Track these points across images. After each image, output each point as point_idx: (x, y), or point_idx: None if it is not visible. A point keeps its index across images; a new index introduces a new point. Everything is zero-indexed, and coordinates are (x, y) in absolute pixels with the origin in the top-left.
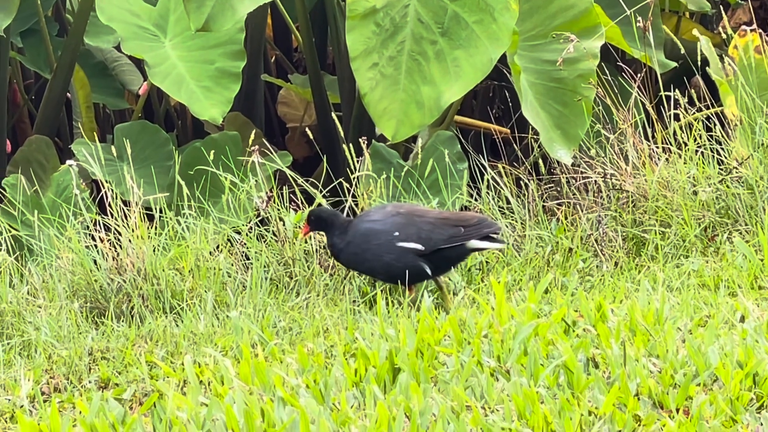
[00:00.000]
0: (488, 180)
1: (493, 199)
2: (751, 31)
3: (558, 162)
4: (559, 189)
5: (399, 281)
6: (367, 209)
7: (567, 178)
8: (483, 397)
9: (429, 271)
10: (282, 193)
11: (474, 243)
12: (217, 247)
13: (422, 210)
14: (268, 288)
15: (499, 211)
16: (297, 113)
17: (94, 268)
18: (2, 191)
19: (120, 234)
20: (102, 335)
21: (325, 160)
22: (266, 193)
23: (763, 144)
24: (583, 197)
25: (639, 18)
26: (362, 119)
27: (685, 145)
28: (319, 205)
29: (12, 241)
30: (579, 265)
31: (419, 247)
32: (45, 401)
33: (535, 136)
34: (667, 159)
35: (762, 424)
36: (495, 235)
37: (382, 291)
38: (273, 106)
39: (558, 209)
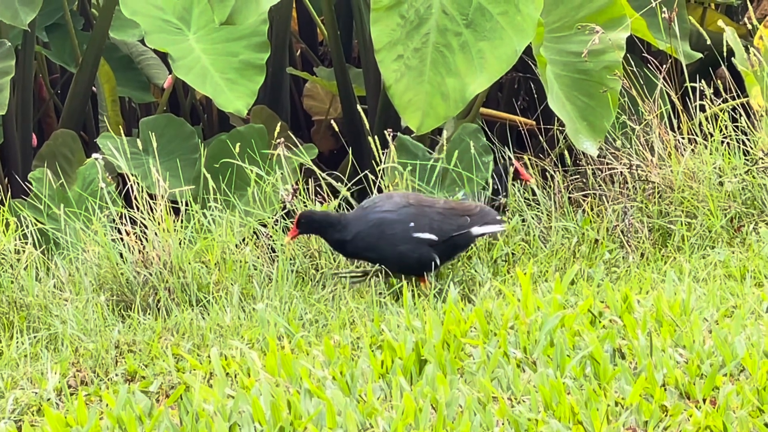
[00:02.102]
0: (513, 172)
1: (519, 191)
2: None
3: (584, 153)
4: (584, 180)
5: (409, 271)
6: (370, 199)
7: (593, 169)
8: (509, 388)
9: (438, 261)
10: (307, 186)
11: (478, 230)
12: (243, 239)
13: (429, 200)
14: (294, 280)
15: (525, 202)
16: (322, 106)
17: (120, 261)
18: (29, 185)
19: (146, 227)
20: (128, 328)
21: (350, 152)
22: (292, 185)
23: None
24: (608, 188)
25: (664, 9)
26: (387, 112)
27: (711, 135)
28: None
29: (38, 234)
30: (605, 257)
31: (433, 237)
32: (72, 394)
33: (560, 128)
34: (692, 150)
35: None
36: (497, 219)
37: (408, 283)
38: (298, 99)
39: (584, 200)
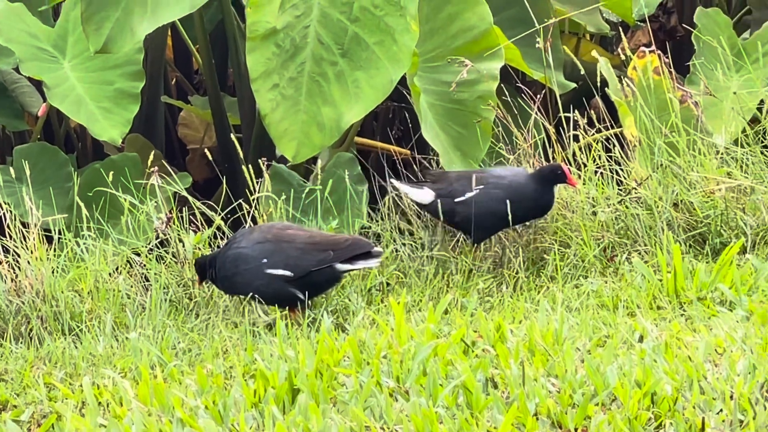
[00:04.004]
0: (388, 201)
1: (394, 220)
2: (650, 52)
3: None
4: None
5: (274, 305)
6: (236, 233)
7: None
8: (382, 417)
9: (301, 296)
10: (181, 215)
11: (344, 266)
12: (117, 268)
13: (291, 234)
14: (167, 309)
15: (400, 232)
16: (197, 135)
17: None
18: None
19: (19, 256)
20: (0, 357)
21: (224, 181)
22: (166, 214)
23: (661, 165)
24: None
25: (538, 39)
26: (262, 140)
27: (585, 165)
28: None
29: None
30: (479, 286)
31: (288, 273)
32: None
33: (435, 157)
34: None
35: None
36: (372, 252)
37: (282, 313)
38: (173, 128)
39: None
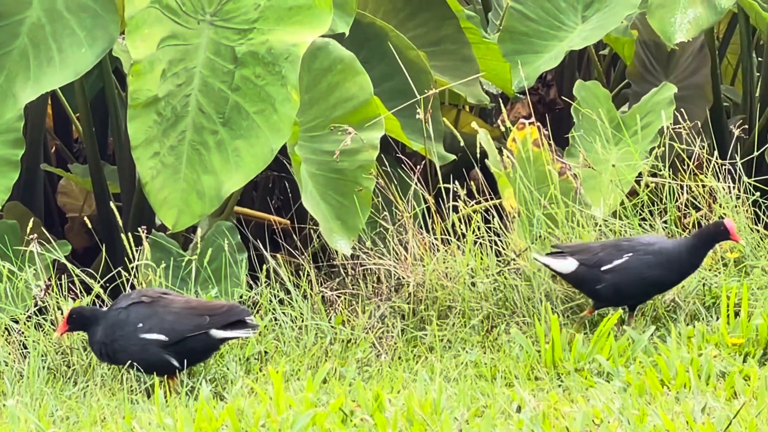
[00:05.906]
0: (268, 270)
1: (273, 289)
2: (530, 124)
3: (337, 252)
4: (339, 279)
5: (148, 372)
6: (117, 298)
7: (347, 268)
8: None
9: (176, 363)
10: (61, 283)
11: (220, 332)
12: None
13: (168, 299)
14: (45, 377)
15: (279, 301)
16: (77, 203)
17: None
18: None
19: None
20: None
21: (104, 249)
22: (44, 282)
23: (540, 236)
24: (362, 288)
25: (418, 110)
26: (142, 209)
27: (464, 236)
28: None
29: None
30: (357, 355)
31: (162, 338)
32: None
33: (314, 227)
34: (446, 250)
35: None
36: (248, 321)
37: (161, 382)
38: (53, 196)
39: (337, 299)
